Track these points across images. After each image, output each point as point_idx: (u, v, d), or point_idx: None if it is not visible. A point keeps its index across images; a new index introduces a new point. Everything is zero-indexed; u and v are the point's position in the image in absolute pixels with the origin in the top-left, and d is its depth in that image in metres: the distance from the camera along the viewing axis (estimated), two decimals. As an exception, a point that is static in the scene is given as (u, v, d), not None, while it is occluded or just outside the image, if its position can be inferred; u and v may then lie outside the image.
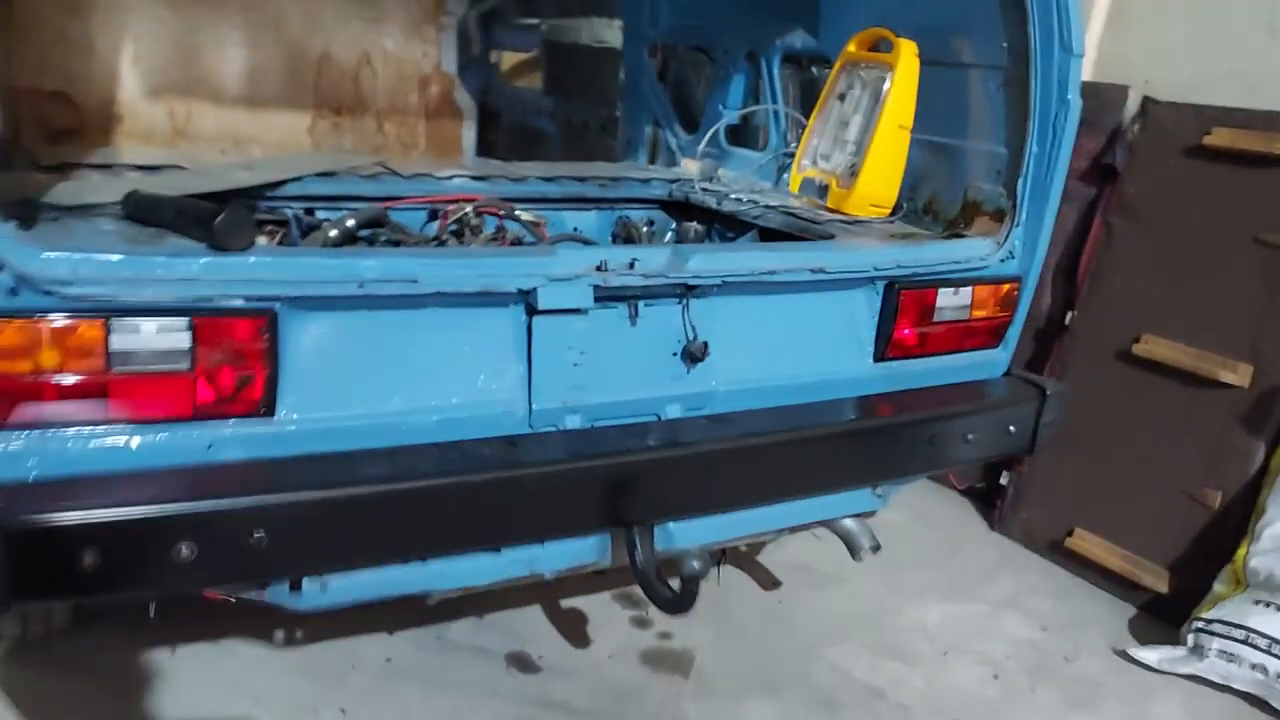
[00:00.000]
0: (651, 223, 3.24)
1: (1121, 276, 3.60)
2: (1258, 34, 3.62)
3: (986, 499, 3.86)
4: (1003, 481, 3.74)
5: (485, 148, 4.85)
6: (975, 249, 2.56)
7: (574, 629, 2.87)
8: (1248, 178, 3.34)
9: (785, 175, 3.18)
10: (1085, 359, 3.62)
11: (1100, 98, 3.83)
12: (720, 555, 3.25)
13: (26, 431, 1.57)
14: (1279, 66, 3.56)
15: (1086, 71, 4.10)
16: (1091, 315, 3.65)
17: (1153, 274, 3.50)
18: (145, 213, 1.87)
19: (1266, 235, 3.24)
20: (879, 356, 2.49)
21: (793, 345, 2.37)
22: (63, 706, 2.41)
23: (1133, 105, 3.77)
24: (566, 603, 2.96)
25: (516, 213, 2.68)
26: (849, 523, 2.55)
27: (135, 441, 1.64)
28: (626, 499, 2.03)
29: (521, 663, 2.72)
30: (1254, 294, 3.23)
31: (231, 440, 1.72)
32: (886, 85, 2.81)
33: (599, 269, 2.00)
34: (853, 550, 2.56)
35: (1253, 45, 3.65)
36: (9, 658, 2.52)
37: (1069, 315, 3.72)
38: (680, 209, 3.25)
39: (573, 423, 2.04)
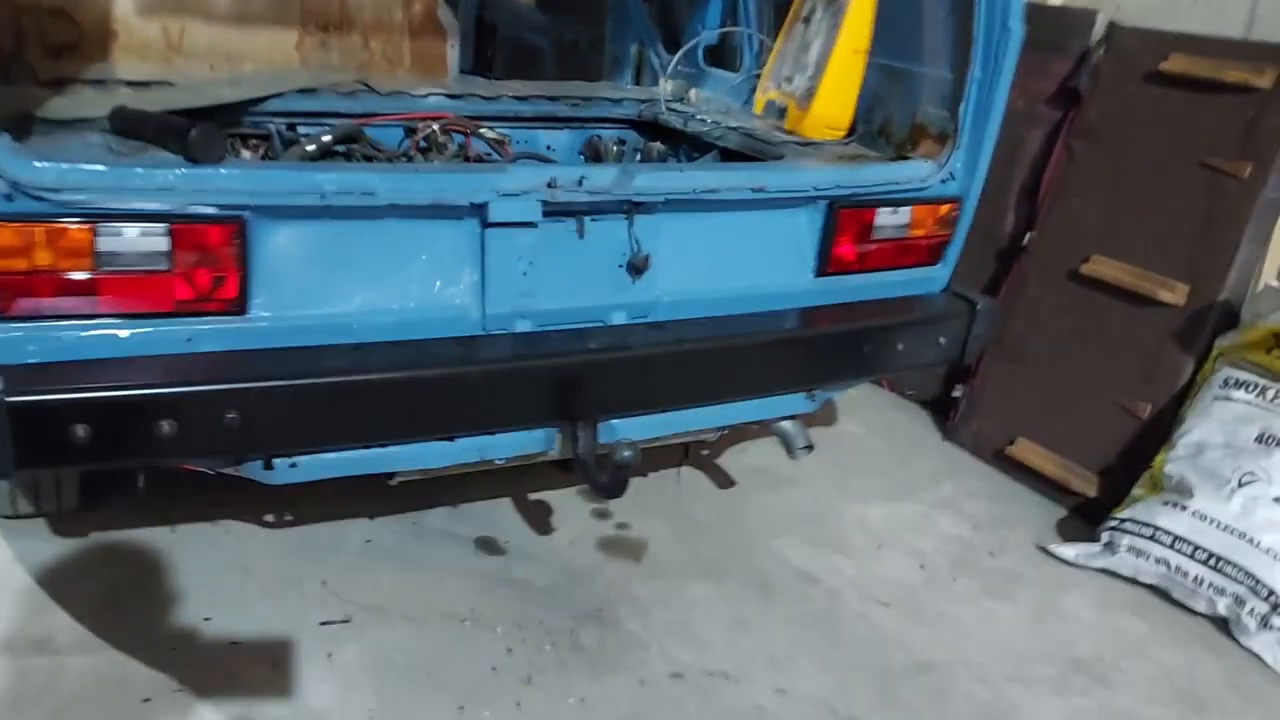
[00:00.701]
0: (623, 142, 3.39)
1: (1079, 198, 3.73)
2: (1224, -39, 3.71)
3: (942, 411, 4.07)
4: (956, 394, 3.95)
5: (482, 63, 4.97)
6: (915, 170, 2.71)
7: (539, 518, 3.12)
8: (1199, 103, 3.44)
9: (754, 96, 3.32)
10: (1039, 278, 3.79)
11: (1069, 21, 3.91)
12: (682, 455, 3.50)
13: (26, 321, 1.79)
14: (1243, -7, 3.66)
15: (1059, -4, 4.18)
16: (1048, 236, 3.80)
17: (1107, 197, 3.64)
18: (129, 127, 2.06)
19: (1211, 159, 3.37)
20: (820, 272, 2.67)
21: (737, 259, 2.55)
22: (71, 575, 2.68)
23: (1101, 29, 3.85)
24: (534, 496, 3.21)
25: (481, 131, 2.85)
26: (785, 424, 2.77)
27: (122, 333, 1.87)
28: (570, 396, 2.25)
29: (488, 546, 2.99)
30: (1195, 216, 3.37)
31: (208, 334, 1.94)
32: (844, 10, 2.93)
33: (549, 185, 2.18)
34: (788, 449, 2.79)
35: (1219, -28, 3.73)
36: (23, 532, 2.79)
37: (1027, 236, 3.87)
38: (650, 129, 3.40)
39: (522, 326, 2.25)
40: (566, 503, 3.21)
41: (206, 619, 2.58)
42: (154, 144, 1.96)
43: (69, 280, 1.79)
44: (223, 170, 1.87)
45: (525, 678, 2.50)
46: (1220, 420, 3.08)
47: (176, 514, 2.92)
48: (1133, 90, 3.63)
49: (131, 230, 1.80)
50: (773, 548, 3.11)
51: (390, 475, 2.36)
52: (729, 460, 3.59)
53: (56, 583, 2.64)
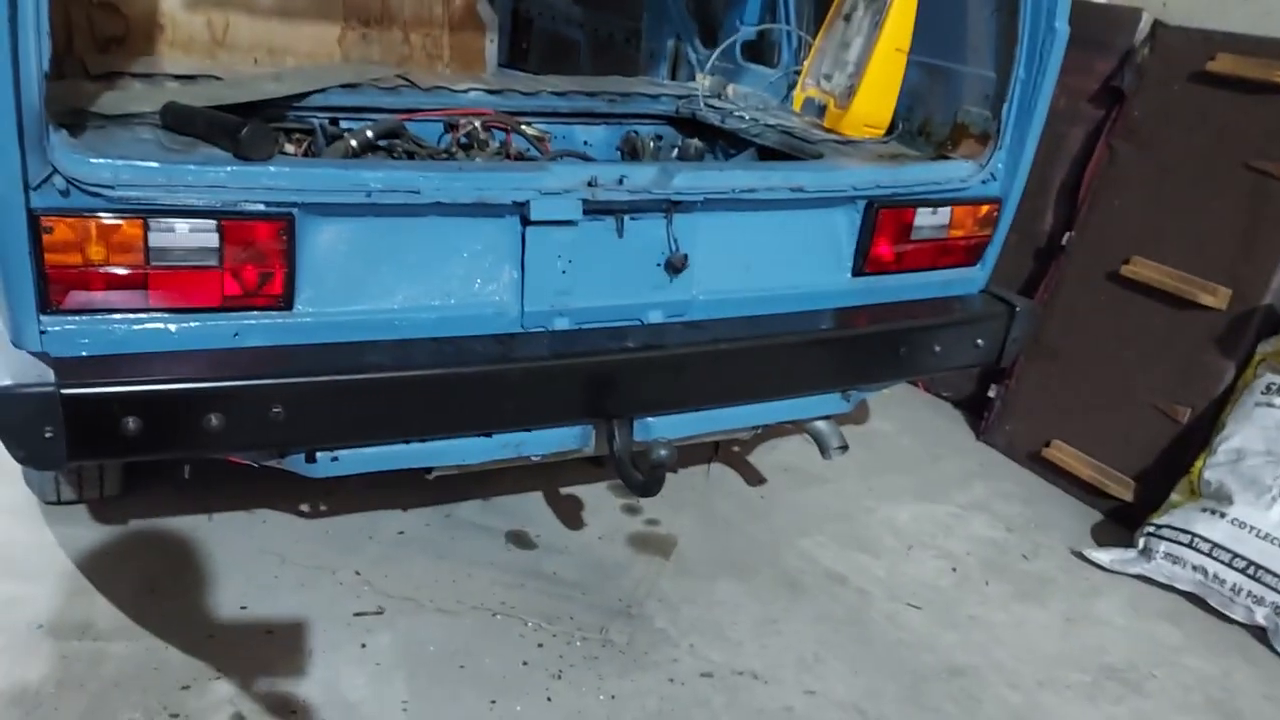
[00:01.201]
0: (660, 138, 3.38)
1: (1119, 198, 3.70)
2: (1273, -41, 3.65)
3: (976, 410, 4.05)
4: (990, 394, 3.93)
5: (518, 55, 4.98)
6: (955, 171, 2.70)
7: (569, 513, 3.14)
8: (1247, 104, 3.40)
9: (793, 93, 3.31)
10: (1078, 278, 3.75)
11: (1113, 19, 3.87)
12: (712, 452, 3.50)
13: (79, 315, 1.82)
14: (1292, -8, 3.60)
15: (1103, -8, 4.13)
16: (1088, 236, 3.77)
17: (1148, 197, 3.60)
18: (180, 123, 2.08)
19: (1257, 162, 3.32)
20: (857, 271, 2.66)
21: (774, 258, 2.55)
22: (111, 561, 2.73)
23: (1146, 28, 3.80)
24: (565, 490, 3.23)
25: (522, 127, 2.86)
26: (820, 424, 2.76)
27: (171, 327, 1.89)
28: (607, 394, 2.27)
29: (519, 539, 3.01)
30: (1239, 219, 3.33)
31: (254, 328, 1.97)
32: (886, 8, 2.92)
33: (590, 184, 2.19)
34: (822, 449, 2.78)
35: (1267, -30, 3.67)
36: (65, 518, 2.84)
37: (1066, 236, 3.84)
38: (688, 125, 3.39)
39: (560, 324, 2.26)
40: (596, 497, 3.23)
41: (243, 607, 2.62)
42: (205, 140, 1.98)
43: (121, 275, 1.82)
44: (272, 168, 1.89)
45: (556, 672, 2.52)
46: (1262, 427, 3.04)
47: (214, 502, 2.96)
48: (1177, 90, 3.59)
49: (183, 226, 1.83)
50: (801, 547, 3.12)
51: (428, 469, 2.38)
52: (758, 457, 3.60)
53: (97, 568, 2.69)
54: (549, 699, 2.43)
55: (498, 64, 3.75)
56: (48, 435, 1.73)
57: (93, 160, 1.75)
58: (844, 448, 2.77)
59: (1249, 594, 2.86)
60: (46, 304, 1.79)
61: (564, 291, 2.25)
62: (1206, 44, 3.53)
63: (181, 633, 2.50)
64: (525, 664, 2.53)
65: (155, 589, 2.65)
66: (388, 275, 2.09)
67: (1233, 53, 3.45)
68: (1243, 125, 3.39)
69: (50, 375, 1.74)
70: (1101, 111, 3.87)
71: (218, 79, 2.68)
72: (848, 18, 3.09)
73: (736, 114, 3.20)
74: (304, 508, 3.02)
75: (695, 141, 3.22)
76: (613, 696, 2.46)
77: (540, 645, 2.60)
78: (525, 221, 2.16)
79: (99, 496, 2.87)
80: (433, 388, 2.05)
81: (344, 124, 2.79)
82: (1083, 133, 3.91)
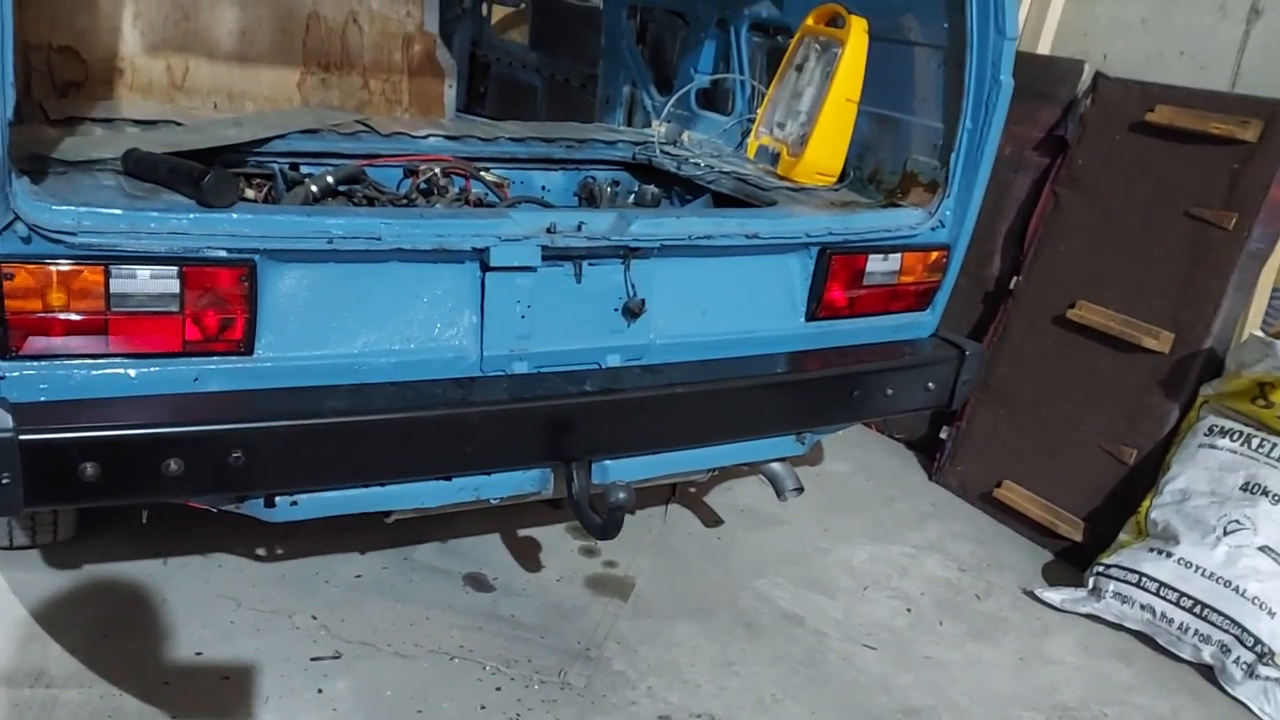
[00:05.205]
0: (616, 183, 3.44)
1: (1064, 244, 3.80)
2: (1210, 15, 3.81)
3: (928, 452, 4.11)
4: (942, 435, 4.00)
5: (475, 98, 5.05)
6: (906, 218, 2.77)
7: (527, 555, 3.15)
8: (1184, 154, 3.52)
9: (747, 140, 3.38)
10: (1026, 323, 3.85)
11: (1057, 71, 4.01)
12: (669, 494, 3.53)
13: (38, 360, 1.83)
14: (1226, 47, 3.76)
15: (1046, 45, 4.29)
16: (1034, 281, 3.87)
17: (1092, 243, 3.71)
18: (142, 170, 2.10)
19: (1195, 209, 3.44)
20: (810, 316, 2.72)
21: (729, 303, 2.60)
22: (65, 607, 2.68)
23: (1088, 80, 3.94)
24: (523, 532, 3.23)
25: (481, 174, 2.91)
26: (775, 465, 2.81)
27: (131, 372, 1.90)
28: (565, 437, 2.29)
29: (477, 582, 3.01)
30: (1180, 265, 3.44)
31: (215, 374, 1.98)
32: (837, 59, 3.00)
33: (549, 231, 2.23)
34: (778, 491, 2.82)
35: (1204, 26, 3.83)
36: (17, 563, 2.79)
37: (1014, 280, 3.94)
38: (644, 170, 3.45)
39: (519, 368, 2.30)
40: (554, 539, 3.23)
41: (198, 653, 2.59)
42: (167, 187, 2.00)
43: (81, 321, 1.82)
44: (234, 215, 1.91)
45: (514, 716, 2.51)
46: (1205, 468, 3.13)
47: (169, 547, 2.93)
48: (1119, 139, 3.72)
49: (144, 272, 1.84)
50: (758, 588, 3.14)
51: (386, 514, 2.39)
52: (715, 499, 3.63)
53: (50, 614, 2.65)
54: (507, 743, 2.43)
55: (456, 109, 3.80)
56: (5, 481, 1.72)
57: (55, 207, 1.77)
58: (799, 489, 2.81)
59: (1196, 632, 2.92)
60: (5, 350, 1.80)
61: (523, 336, 2.28)
62: (1145, 96, 3.67)
63: (136, 679, 2.46)
64: (483, 708, 2.53)
65: (109, 635, 2.61)
66: (348, 320, 2.11)
67: (1170, 104, 3.58)
68: (1181, 174, 3.51)
69: (8, 421, 1.73)
70: (1046, 160, 3.98)
71: (178, 124, 2.70)
72: (799, 68, 3.18)
73: (692, 160, 3.26)
74: (260, 551, 3.00)
75: (651, 187, 3.28)
76: (571, 740, 2.47)
77: (498, 689, 2.59)
78: (485, 267, 2.20)
79: (52, 541, 2.83)
80: (392, 432, 2.07)
81: (304, 169, 2.82)
82: (1029, 180, 4.02)
